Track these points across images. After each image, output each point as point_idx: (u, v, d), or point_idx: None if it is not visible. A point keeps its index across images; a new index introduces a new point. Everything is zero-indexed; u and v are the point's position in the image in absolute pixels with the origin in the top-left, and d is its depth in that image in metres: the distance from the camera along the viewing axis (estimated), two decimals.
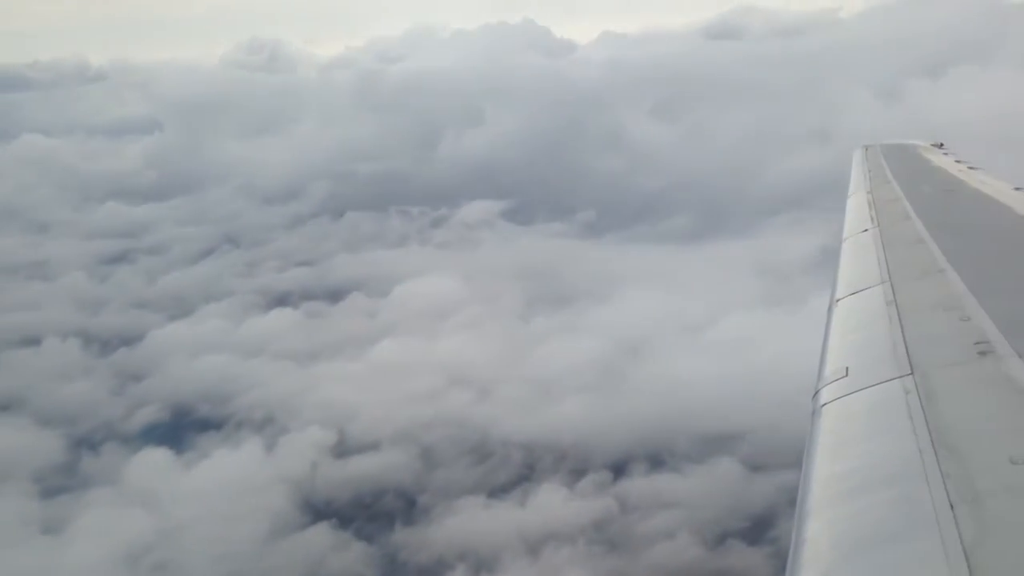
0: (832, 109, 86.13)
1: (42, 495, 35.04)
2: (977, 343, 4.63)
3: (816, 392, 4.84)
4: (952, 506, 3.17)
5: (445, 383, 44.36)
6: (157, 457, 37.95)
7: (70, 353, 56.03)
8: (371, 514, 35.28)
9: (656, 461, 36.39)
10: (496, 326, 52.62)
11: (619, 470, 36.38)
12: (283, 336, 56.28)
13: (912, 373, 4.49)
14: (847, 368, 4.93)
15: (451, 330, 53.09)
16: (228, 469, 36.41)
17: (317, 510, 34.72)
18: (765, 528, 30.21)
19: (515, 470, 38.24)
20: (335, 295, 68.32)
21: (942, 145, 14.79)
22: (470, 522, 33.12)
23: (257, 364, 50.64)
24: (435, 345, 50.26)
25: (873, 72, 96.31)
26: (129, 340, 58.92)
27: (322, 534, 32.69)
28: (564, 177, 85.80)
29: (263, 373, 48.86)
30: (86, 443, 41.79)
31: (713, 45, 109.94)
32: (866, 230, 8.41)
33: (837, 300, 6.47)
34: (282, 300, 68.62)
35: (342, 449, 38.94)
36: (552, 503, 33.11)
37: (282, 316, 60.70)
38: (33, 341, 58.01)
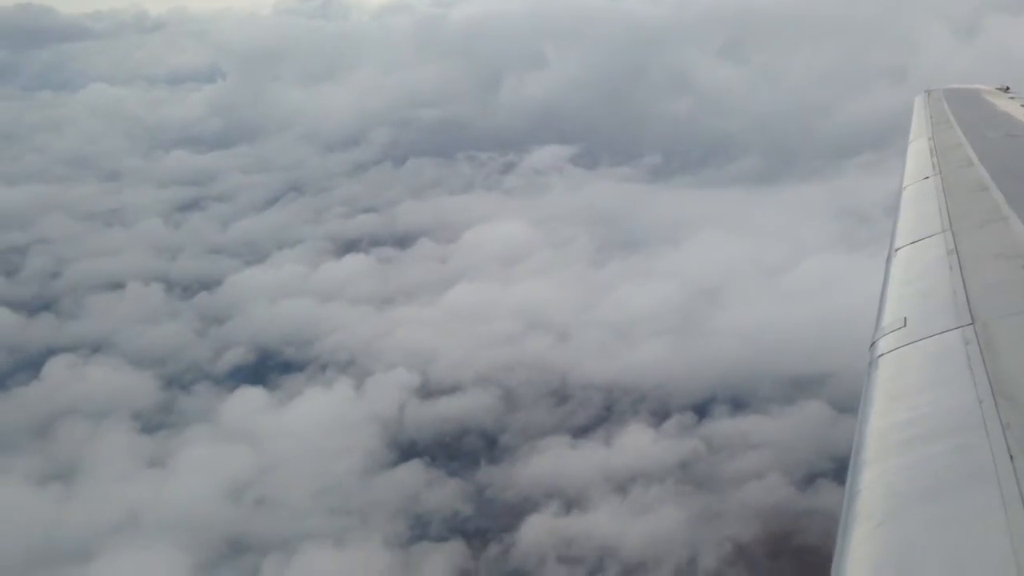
0: (908, 47, 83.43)
1: (143, 431, 36.43)
2: None
3: (873, 342, 4.75)
4: (1012, 457, 3.10)
5: (522, 327, 44.75)
6: (251, 396, 39.13)
7: (154, 297, 57.62)
8: (458, 453, 36.04)
9: (740, 403, 36.45)
10: (569, 271, 52.74)
11: (702, 412, 36.55)
12: (357, 281, 57.11)
13: (973, 323, 4.36)
14: (905, 318, 4.84)
15: (524, 275, 53.37)
16: (318, 409, 37.41)
17: (406, 448, 35.57)
18: None
19: (596, 412, 38.63)
20: (403, 241, 69.01)
21: (1008, 89, 14.40)
22: (556, 461, 33.66)
23: (335, 308, 51.54)
24: (509, 290, 50.61)
25: (951, 7, 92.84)
26: (208, 285, 60.35)
27: (413, 471, 33.54)
28: (630, 120, 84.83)
29: (342, 317, 49.75)
30: (178, 383, 43.18)
31: None
32: (927, 177, 8.16)
33: (896, 249, 6.34)
34: (351, 246, 69.50)
35: (426, 390, 39.69)
36: (638, 443, 33.46)
37: (355, 261, 61.52)
38: (117, 285, 59.71)
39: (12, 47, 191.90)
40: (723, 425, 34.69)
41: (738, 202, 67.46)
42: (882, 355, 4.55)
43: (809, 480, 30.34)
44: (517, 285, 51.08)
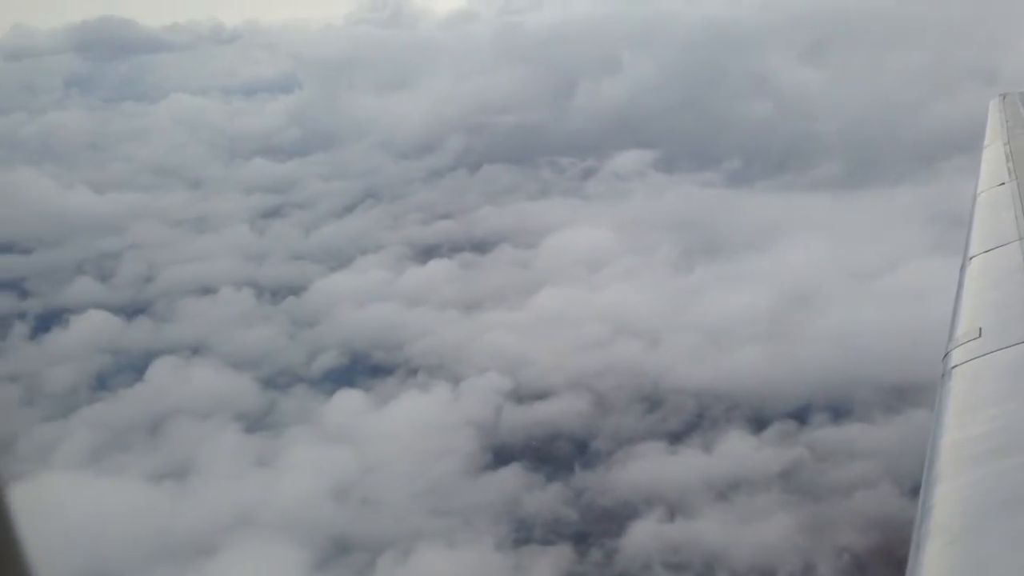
0: (997, 47, 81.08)
1: (247, 431, 37.40)
2: None
3: (947, 353, 4.61)
4: None
5: (612, 332, 44.71)
6: (349, 398, 39.86)
7: (245, 301, 59.07)
8: (553, 457, 36.16)
9: (842, 411, 35.84)
10: (655, 276, 52.52)
11: (803, 419, 36.05)
12: (442, 286, 57.75)
13: None
14: (980, 329, 4.68)
15: (609, 280, 53.31)
16: (415, 411, 37.93)
17: (502, 452, 35.82)
18: None
19: (690, 418, 38.39)
20: (482, 247, 69.51)
21: None
22: (655, 467, 33.55)
23: (422, 313, 52.18)
24: (596, 295, 50.62)
25: None
26: (295, 289, 61.65)
27: (512, 475, 33.77)
28: (709, 125, 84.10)
29: (430, 321, 50.34)
30: (275, 384, 44.19)
31: None
32: (1003, 184, 7.85)
33: (970, 257, 6.19)
34: (431, 252, 70.28)
35: (519, 394, 39.92)
36: (739, 450, 33.16)
37: (439, 267, 62.17)
38: (208, 290, 61.37)
39: (95, 59, 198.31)
40: (826, 433, 34.16)
41: (824, 206, 66.35)
42: (956, 366, 4.45)
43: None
44: (603, 290, 51.07)
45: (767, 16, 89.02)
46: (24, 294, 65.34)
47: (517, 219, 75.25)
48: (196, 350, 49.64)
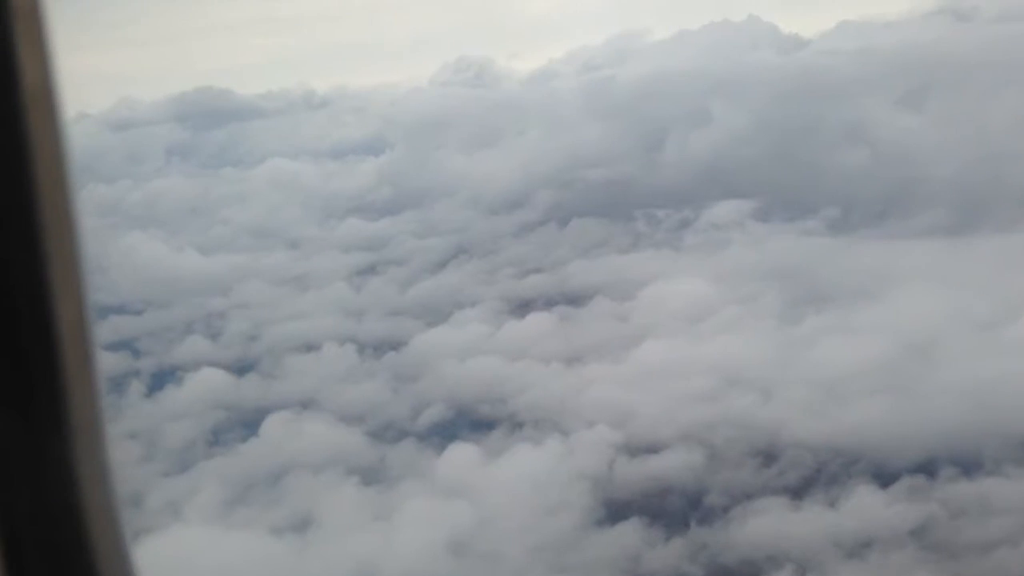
0: None
1: (362, 484, 37.74)
2: None
3: None
4: None
5: (721, 384, 43.89)
6: (460, 452, 39.94)
7: (348, 357, 60.12)
8: (669, 513, 35.42)
9: (972, 465, 34.27)
10: (762, 327, 51.50)
11: (931, 473, 34.56)
12: (542, 339, 57.75)
13: None
14: None
15: (713, 332, 52.50)
16: (527, 465, 37.75)
17: (618, 506, 35.26)
18: None
19: (809, 472, 37.24)
20: (577, 300, 69.48)
21: None
22: (777, 523, 32.49)
23: (524, 366, 52.21)
24: (701, 347, 49.86)
25: None
26: (395, 344, 62.54)
27: (628, 530, 33.16)
28: (805, 174, 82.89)
29: (533, 374, 50.32)
30: (384, 438, 44.62)
31: (956, 28, 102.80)
32: None
33: None
34: (526, 305, 70.60)
35: (630, 448, 39.39)
36: (868, 506, 31.90)
37: (538, 320, 62.30)
38: (313, 346, 62.70)
39: (194, 127, 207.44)
40: (958, 488, 32.66)
41: (932, 254, 64.36)
42: None
43: None
44: (708, 342, 50.29)
45: (862, 65, 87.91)
46: (137, 353, 67.88)
47: (610, 272, 75.13)
48: (305, 405, 50.57)
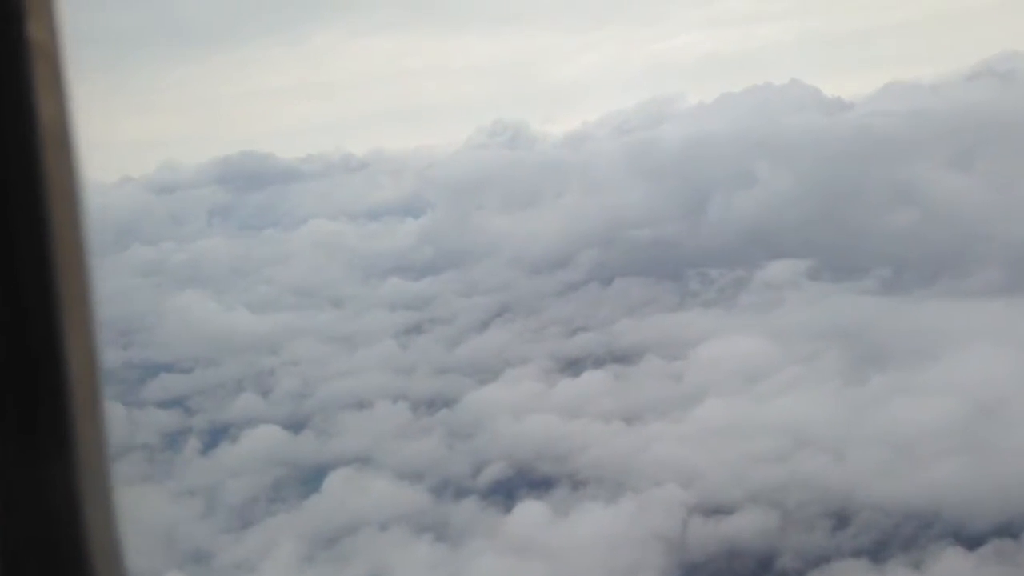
0: None
1: (434, 541, 37.32)
2: None
3: None
4: None
5: (789, 445, 43.17)
6: (528, 510, 39.45)
7: (401, 414, 60.01)
8: (745, 575, 34.58)
9: None
10: (825, 387, 50.76)
11: (1015, 536, 33.53)
12: (598, 398, 57.29)
13: None
14: None
15: (774, 391, 51.84)
16: (597, 524, 37.16)
17: (691, 568, 34.50)
18: None
19: (886, 535, 36.29)
20: (627, 359, 69.07)
21: None
22: None
23: (583, 424, 51.78)
24: (764, 406, 49.22)
25: None
26: (447, 402, 62.40)
27: None
28: (853, 235, 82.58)
29: (592, 433, 49.86)
30: (446, 495, 44.21)
31: (1000, 90, 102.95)
32: None
33: None
34: (576, 364, 70.39)
35: (702, 508, 38.69)
36: (956, 571, 30.92)
37: (593, 378, 61.98)
38: (365, 404, 62.70)
39: (236, 190, 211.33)
40: None
41: (988, 313, 63.48)
42: None
43: None
44: (771, 402, 49.64)
45: (910, 126, 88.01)
46: (190, 411, 68.21)
47: (659, 331, 74.79)
48: (363, 462, 50.37)
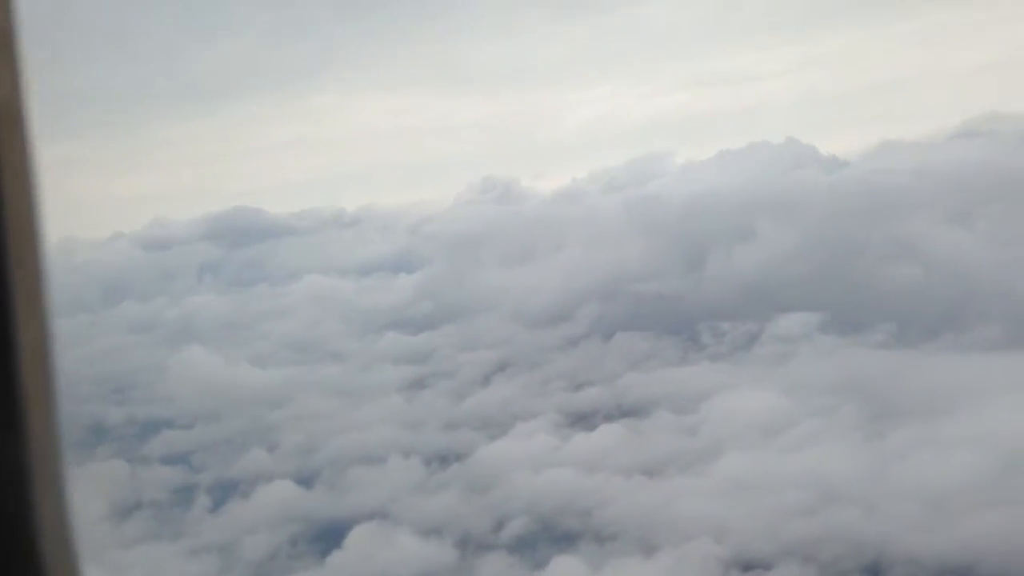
0: None
1: None
2: None
3: None
4: None
5: (818, 498, 42.89)
6: (565, 566, 38.82)
7: (413, 469, 59.26)
8: None
9: None
10: (847, 440, 50.65)
11: None
12: (615, 452, 56.86)
13: None
14: None
15: (794, 445, 51.67)
16: None
17: None
18: None
19: None
20: (637, 413, 68.82)
21: None
22: None
23: (603, 479, 51.30)
24: (787, 460, 49.01)
25: None
26: (459, 456, 61.75)
27: None
28: (855, 290, 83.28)
29: (614, 487, 49.40)
30: (470, 550, 43.48)
31: (991, 148, 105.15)
32: None
33: None
34: (586, 418, 70.07)
35: (739, 563, 38.21)
36: None
37: (607, 432, 61.56)
38: (375, 459, 61.91)
39: (228, 245, 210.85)
40: None
41: (995, 367, 63.88)
42: None
43: None
44: (793, 455, 49.46)
45: (908, 184, 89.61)
46: (194, 468, 67.02)
47: (667, 385, 74.68)
48: (381, 518, 49.56)
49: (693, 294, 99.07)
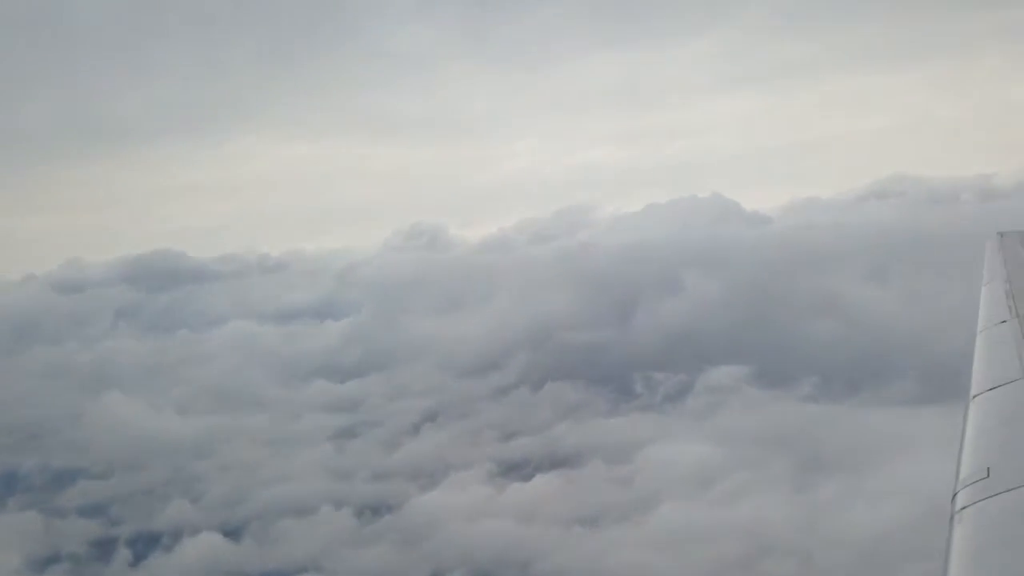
0: None
1: None
2: None
3: (954, 494, 4.45)
4: None
5: (756, 549, 43.53)
6: None
7: (345, 520, 58.06)
8: None
9: None
10: (775, 491, 51.66)
11: None
12: (550, 502, 56.77)
13: None
14: (988, 469, 4.53)
15: (728, 496, 52.44)
16: None
17: None
18: None
19: None
20: (570, 463, 68.95)
21: None
22: None
23: (540, 529, 51.10)
24: (721, 511, 49.68)
25: None
26: (392, 507, 60.75)
27: None
28: (778, 343, 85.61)
29: (552, 537, 49.20)
30: None
31: (901, 209, 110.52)
32: (1004, 321, 7.96)
33: (974, 396, 6.05)
34: (519, 468, 69.87)
35: None
36: None
37: (543, 482, 61.49)
38: (307, 509, 60.44)
39: (147, 290, 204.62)
40: None
41: (914, 421, 66.21)
42: (964, 508, 4.26)
43: None
44: (728, 506, 50.16)
45: (829, 240, 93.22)
46: (113, 520, 64.26)
47: (599, 435, 75.11)
48: (312, 571, 48.31)
49: (623, 344, 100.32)
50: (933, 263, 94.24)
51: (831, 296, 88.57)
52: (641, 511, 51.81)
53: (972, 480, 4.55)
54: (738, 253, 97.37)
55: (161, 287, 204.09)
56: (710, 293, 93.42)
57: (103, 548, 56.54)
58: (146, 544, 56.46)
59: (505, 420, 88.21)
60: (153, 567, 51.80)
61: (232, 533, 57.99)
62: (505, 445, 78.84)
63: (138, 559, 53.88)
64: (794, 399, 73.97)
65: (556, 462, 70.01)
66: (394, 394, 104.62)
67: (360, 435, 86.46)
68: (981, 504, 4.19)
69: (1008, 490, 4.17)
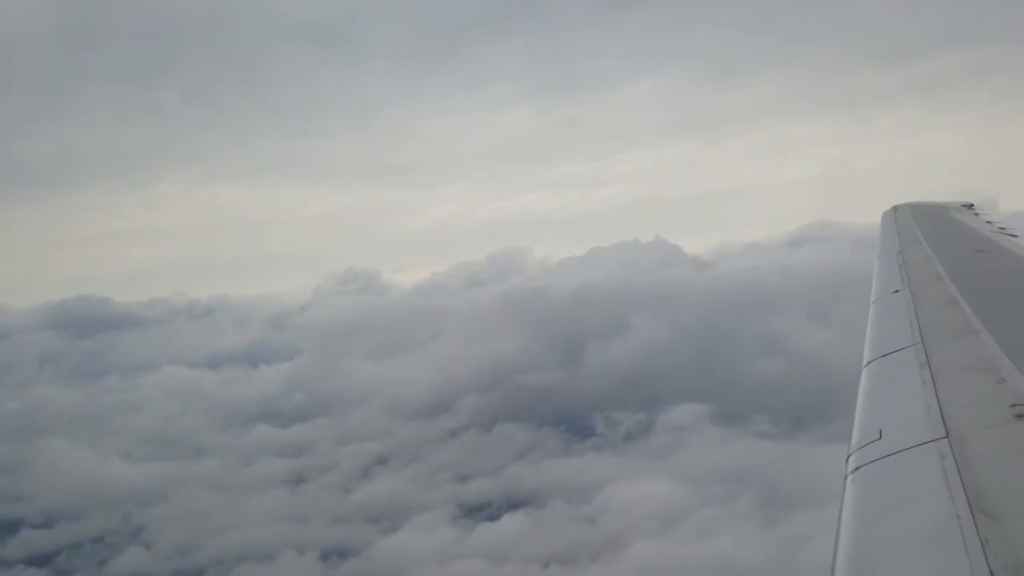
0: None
1: None
2: (1014, 405, 4.42)
3: (848, 455, 4.68)
4: (992, 574, 2.96)
5: None
6: None
7: (310, 565, 57.13)
8: None
9: None
10: (741, 527, 52.85)
11: None
12: (519, 542, 56.93)
13: (947, 436, 4.27)
14: (880, 431, 4.77)
15: (695, 533, 53.40)
16: None
17: None
18: None
19: None
20: (529, 503, 69.21)
21: (972, 206, 14.88)
22: None
23: (514, 569, 51.18)
24: (691, 548, 50.55)
25: None
26: (356, 551, 60.04)
27: None
28: (727, 383, 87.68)
29: None
30: None
31: (830, 252, 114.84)
32: (896, 291, 8.19)
33: (868, 362, 6.39)
34: (480, 510, 69.83)
35: None
36: None
37: (511, 523, 61.56)
38: (268, 556, 59.28)
39: (71, 336, 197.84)
40: None
41: None
42: (856, 469, 4.48)
43: None
44: (697, 543, 51.07)
45: (772, 282, 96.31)
46: (61, 571, 61.96)
47: (555, 475, 75.52)
48: None
49: (572, 386, 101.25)
50: (867, 302, 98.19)
51: (775, 336, 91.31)
52: (612, 549, 52.36)
53: (865, 442, 4.74)
54: (683, 295, 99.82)
55: (86, 332, 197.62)
56: (658, 334, 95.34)
57: None
58: None
59: (458, 462, 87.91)
60: None
61: None
62: (462, 487, 78.62)
63: None
64: (750, 436, 75.74)
65: (516, 503, 70.17)
66: (342, 438, 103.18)
67: (312, 480, 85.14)
68: (873, 465, 4.38)
69: (898, 451, 4.35)
